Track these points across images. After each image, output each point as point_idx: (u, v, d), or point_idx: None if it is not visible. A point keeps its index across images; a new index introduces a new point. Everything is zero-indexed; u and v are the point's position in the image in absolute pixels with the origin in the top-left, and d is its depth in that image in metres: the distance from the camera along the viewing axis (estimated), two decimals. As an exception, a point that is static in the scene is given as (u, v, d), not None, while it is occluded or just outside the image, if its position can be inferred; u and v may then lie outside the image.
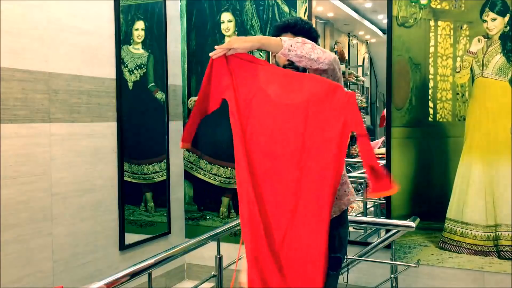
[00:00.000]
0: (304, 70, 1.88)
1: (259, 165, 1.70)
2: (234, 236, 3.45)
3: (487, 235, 2.97)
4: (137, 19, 3.51)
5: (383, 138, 4.54)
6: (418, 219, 2.69)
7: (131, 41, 3.46)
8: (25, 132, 2.63)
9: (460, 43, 3.00)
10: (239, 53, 1.72)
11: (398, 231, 2.67)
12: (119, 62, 3.27)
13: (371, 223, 3.16)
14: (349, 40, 6.45)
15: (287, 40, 1.68)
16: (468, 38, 2.98)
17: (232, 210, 3.81)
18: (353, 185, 5.22)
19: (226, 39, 3.76)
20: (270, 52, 1.98)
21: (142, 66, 3.54)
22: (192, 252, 2.42)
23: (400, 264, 2.76)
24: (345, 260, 2.04)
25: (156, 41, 3.68)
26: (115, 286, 1.88)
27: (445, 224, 3.08)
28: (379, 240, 2.78)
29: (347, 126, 1.64)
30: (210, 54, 1.72)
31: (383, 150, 4.06)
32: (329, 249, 1.68)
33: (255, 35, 3.66)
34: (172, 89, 3.85)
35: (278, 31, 1.92)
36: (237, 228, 2.84)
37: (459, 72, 3.02)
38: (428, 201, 3.13)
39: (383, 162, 3.90)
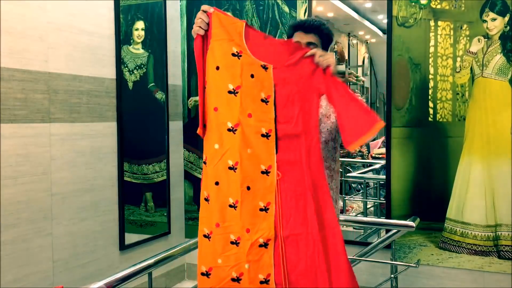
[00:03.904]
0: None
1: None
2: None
3: (487, 235, 2.97)
4: (137, 19, 3.51)
5: (383, 138, 4.54)
6: (418, 219, 2.69)
7: (131, 41, 3.46)
8: (25, 132, 2.63)
9: (460, 43, 3.00)
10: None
11: (398, 231, 2.67)
12: (119, 62, 3.27)
13: (371, 223, 3.16)
14: (349, 40, 6.46)
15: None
16: (468, 38, 2.98)
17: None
18: (353, 185, 5.23)
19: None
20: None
21: (142, 66, 3.54)
22: (192, 252, 2.41)
23: (400, 264, 2.76)
24: None
25: (156, 41, 3.68)
26: (115, 286, 1.88)
27: (445, 224, 3.08)
28: (379, 240, 2.78)
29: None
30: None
31: (383, 150, 4.06)
32: None
33: (255, 35, 3.66)
34: (172, 89, 3.85)
35: (292, 30, 1.96)
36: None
37: (459, 72, 3.02)
38: (428, 201, 3.13)
39: (383, 162, 3.89)
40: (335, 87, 1.56)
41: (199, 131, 1.63)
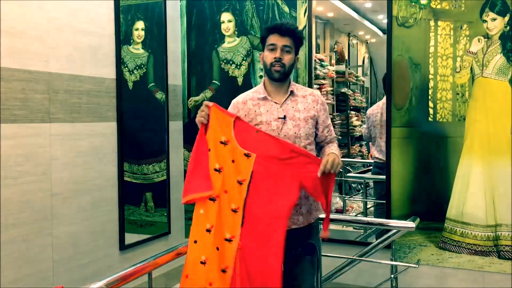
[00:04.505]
0: (288, 73, 2.05)
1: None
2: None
3: (487, 235, 2.97)
4: (137, 19, 3.51)
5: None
6: (418, 219, 2.68)
7: (131, 41, 3.46)
8: (25, 132, 2.63)
9: (460, 43, 3.00)
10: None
11: (398, 231, 2.66)
12: (119, 62, 3.27)
13: (371, 223, 3.16)
14: (349, 40, 6.45)
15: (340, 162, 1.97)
16: (468, 38, 2.98)
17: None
18: (353, 185, 5.23)
19: (226, 39, 3.77)
20: (259, 56, 2.18)
21: (142, 66, 3.54)
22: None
23: (400, 264, 2.76)
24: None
25: (156, 41, 3.68)
26: (115, 286, 1.88)
27: (445, 224, 3.08)
28: (379, 240, 2.78)
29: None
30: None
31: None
32: (304, 237, 2.05)
33: (255, 35, 3.67)
34: (172, 89, 3.85)
35: (266, 32, 2.06)
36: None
37: (459, 72, 3.02)
38: (428, 201, 3.13)
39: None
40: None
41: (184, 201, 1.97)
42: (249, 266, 1.85)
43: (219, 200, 1.90)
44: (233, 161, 1.91)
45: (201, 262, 1.88)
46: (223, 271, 1.85)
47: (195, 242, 1.91)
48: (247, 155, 1.90)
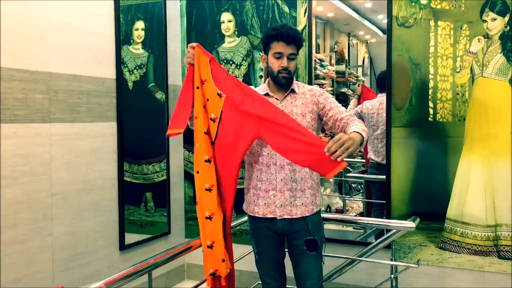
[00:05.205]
0: (293, 77, 2.18)
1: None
2: (234, 236, 3.45)
3: (487, 235, 2.97)
4: (137, 19, 3.51)
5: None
6: (418, 219, 2.69)
7: (131, 41, 3.46)
8: (25, 132, 2.63)
9: (460, 43, 3.00)
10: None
11: (398, 231, 2.66)
12: (119, 62, 3.27)
13: (371, 223, 3.16)
14: (349, 40, 6.45)
15: (365, 136, 1.90)
16: (468, 38, 2.98)
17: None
18: (353, 185, 5.23)
19: (226, 39, 3.77)
20: (261, 57, 2.21)
21: (142, 66, 3.54)
22: (192, 252, 2.42)
23: (400, 264, 2.76)
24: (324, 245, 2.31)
25: (156, 41, 3.68)
26: (115, 286, 1.88)
27: (445, 224, 3.08)
28: (379, 240, 2.78)
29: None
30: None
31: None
32: (304, 233, 2.14)
33: (255, 35, 3.66)
34: (172, 89, 3.85)
35: (269, 39, 2.11)
36: (237, 228, 2.84)
37: (459, 72, 3.02)
38: (428, 201, 3.13)
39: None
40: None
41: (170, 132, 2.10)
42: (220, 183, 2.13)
43: (208, 132, 2.11)
44: (208, 100, 2.09)
45: (206, 189, 2.08)
46: (208, 190, 2.08)
47: (198, 172, 2.09)
48: (219, 95, 2.08)
